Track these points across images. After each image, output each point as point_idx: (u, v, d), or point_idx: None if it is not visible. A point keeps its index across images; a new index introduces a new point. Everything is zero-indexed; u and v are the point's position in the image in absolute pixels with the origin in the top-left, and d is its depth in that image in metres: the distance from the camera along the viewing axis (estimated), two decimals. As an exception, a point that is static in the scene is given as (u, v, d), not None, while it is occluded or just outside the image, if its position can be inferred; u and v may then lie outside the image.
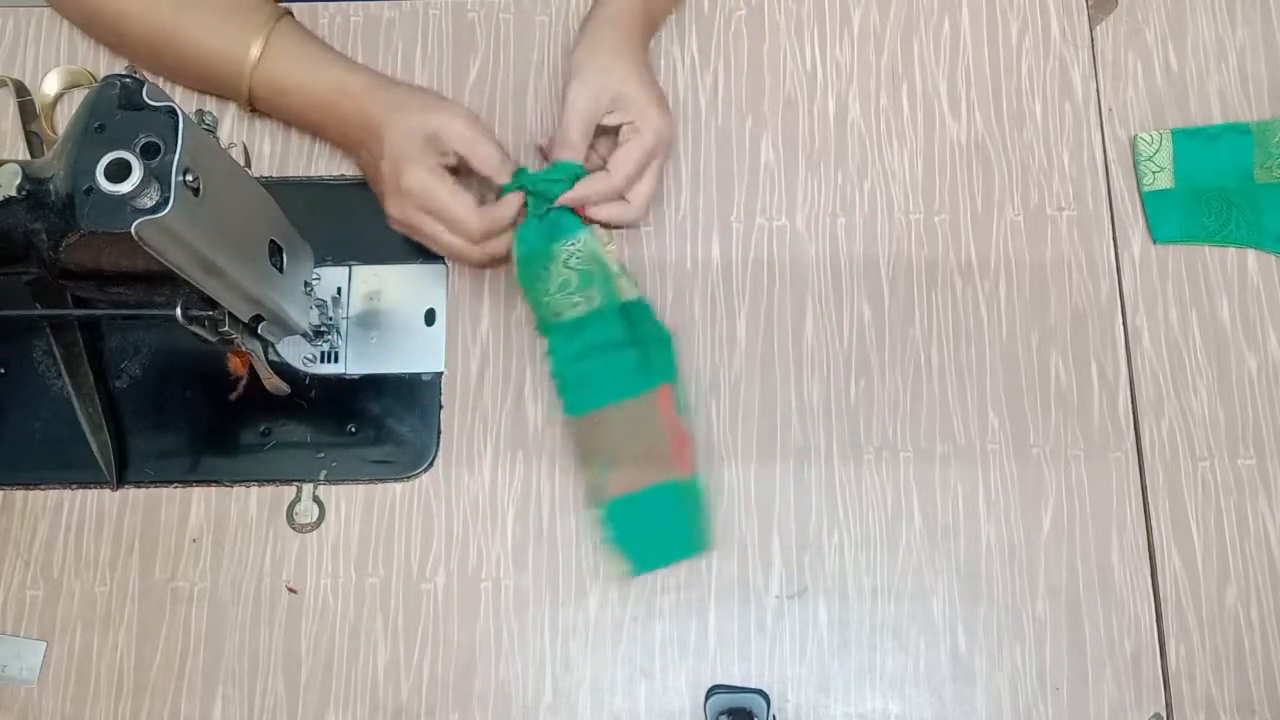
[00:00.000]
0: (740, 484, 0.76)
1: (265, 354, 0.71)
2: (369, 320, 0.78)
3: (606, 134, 0.75)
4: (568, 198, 0.72)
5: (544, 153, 0.79)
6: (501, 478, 0.76)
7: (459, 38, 0.84)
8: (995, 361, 0.78)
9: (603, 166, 0.74)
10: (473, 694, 0.72)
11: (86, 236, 0.55)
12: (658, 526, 0.73)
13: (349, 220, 0.80)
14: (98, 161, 0.53)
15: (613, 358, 0.73)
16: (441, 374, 0.77)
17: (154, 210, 0.54)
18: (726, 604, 0.74)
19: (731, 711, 0.69)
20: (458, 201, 0.71)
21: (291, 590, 0.74)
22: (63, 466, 0.76)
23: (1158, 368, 0.78)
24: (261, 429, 0.76)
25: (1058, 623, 0.73)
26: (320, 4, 0.80)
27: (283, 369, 0.75)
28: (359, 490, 0.76)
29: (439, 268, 0.79)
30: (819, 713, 0.72)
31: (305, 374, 0.77)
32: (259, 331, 0.68)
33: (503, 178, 0.72)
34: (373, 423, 0.77)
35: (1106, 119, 0.83)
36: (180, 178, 0.55)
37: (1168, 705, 0.72)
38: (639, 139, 0.73)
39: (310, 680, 0.73)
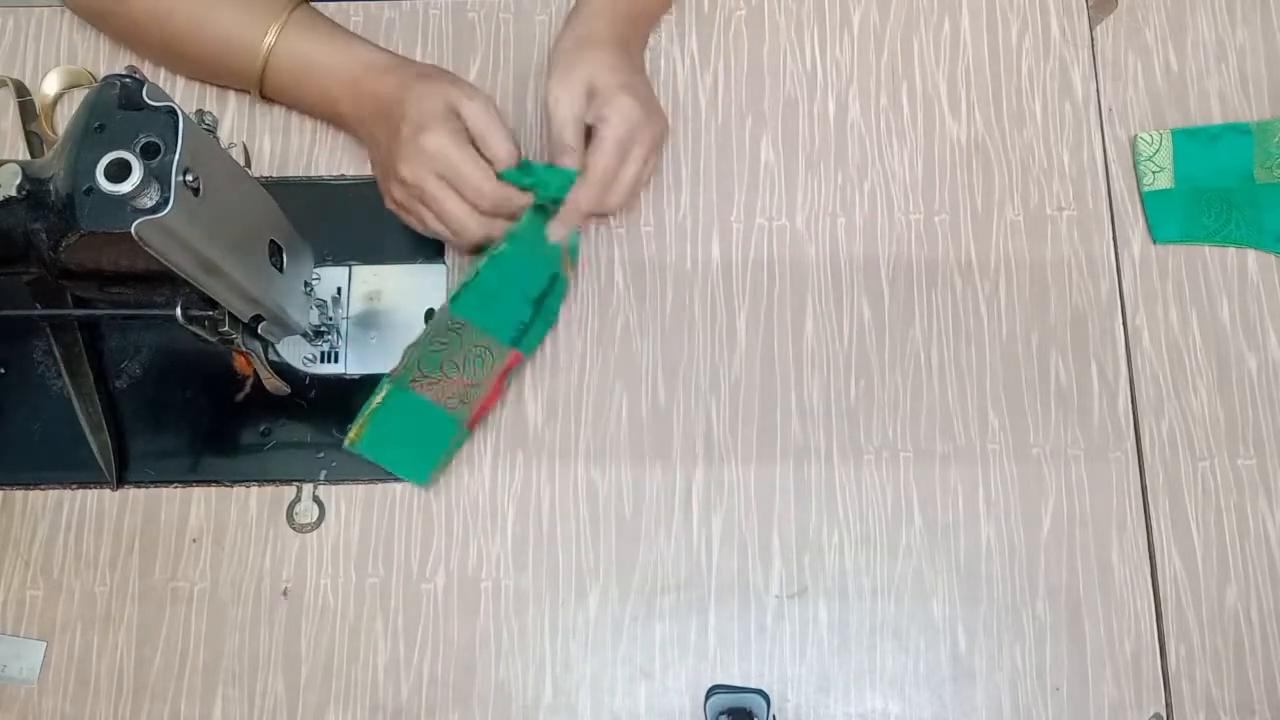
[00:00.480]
0: (740, 484, 0.76)
1: (265, 354, 0.71)
2: (369, 320, 0.78)
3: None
4: (564, 215, 0.74)
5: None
6: (501, 478, 0.76)
7: (459, 38, 0.84)
8: (995, 361, 0.78)
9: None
10: (473, 694, 0.72)
11: (86, 236, 0.55)
12: (412, 438, 0.73)
13: (349, 220, 0.80)
14: (98, 161, 0.53)
15: (518, 303, 0.75)
16: (441, 374, 0.77)
17: (154, 210, 0.54)
18: (726, 604, 0.74)
19: (731, 711, 0.69)
20: (478, 165, 0.71)
21: (284, 594, 0.74)
22: (63, 466, 0.76)
23: (1158, 368, 0.78)
24: (261, 429, 0.76)
25: (1058, 623, 0.73)
26: (320, 4, 0.80)
27: (283, 369, 0.75)
28: (359, 490, 0.76)
29: (439, 267, 0.79)
30: (819, 713, 0.72)
31: (305, 374, 0.77)
32: (259, 331, 0.68)
33: (510, 164, 0.72)
34: (373, 423, 0.77)
35: (1106, 119, 0.83)
36: (180, 178, 0.55)
37: (1168, 705, 0.72)
38: (609, 130, 0.73)
39: (310, 680, 0.73)
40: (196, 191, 0.56)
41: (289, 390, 0.75)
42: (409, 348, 0.73)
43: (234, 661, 0.73)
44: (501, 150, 0.72)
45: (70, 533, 0.75)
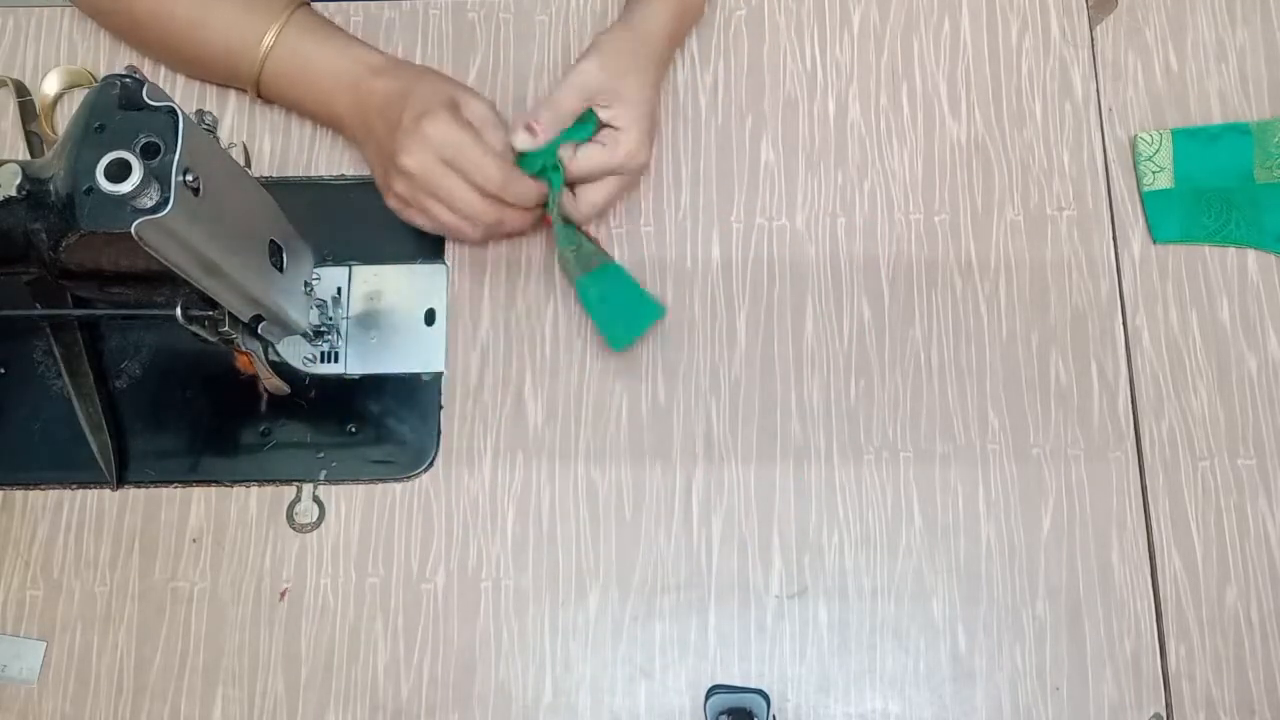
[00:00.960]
0: (740, 484, 0.76)
1: (265, 354, 0.71)
2: (369, 320, 0.78)
3: None
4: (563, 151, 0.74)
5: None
6: (501, 478, 0.76)
7: (459, 38, 0.84)
8: (995, 361, 0.78)
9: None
10: (473, 694, 0.72)
11: (86, 236, 0.55)
12: (621, 306, 0.76)
13: (349, 220, 0.80)
14: (98, 161, 0.53)
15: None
16: (441, 374, 0.77)
17: (154, 210, 0.54)
18: (726, 604, 0.74)
19: (731, 711, 0.69)
20: (485, 147, 0.71)
21: (282, 597, 0.74)
22: (63, 466, 0.76)
23: (1158, 368, 0.78)
24: (261, 429, 0.76)
25: (1058, 623, 0.73)
26: (320, 4, 0.80)
27: (283, 369, 0.75)
28: (359, 490, 0.76)
29: (439, 267, 0.79)
30: (819, 713, 0.72)
31: (305, 374, 0.77)
32: (259, 331, 0.68)
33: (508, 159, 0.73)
34: (373, 423, 0.77)
35: (1106, 119, 0.83)
36: (180, 178, 0.55)
37: (1168, 705, 0.72)
38: (610, 151, 0.74)
39: (310, 680, 0.73)
40: (196, 191, 0.56)
41: (289, 390, 0.75)
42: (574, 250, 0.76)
43: (234, 661, 0.73)
44: (502, 145, 0.72)
45: (70, 533, 0.75)
